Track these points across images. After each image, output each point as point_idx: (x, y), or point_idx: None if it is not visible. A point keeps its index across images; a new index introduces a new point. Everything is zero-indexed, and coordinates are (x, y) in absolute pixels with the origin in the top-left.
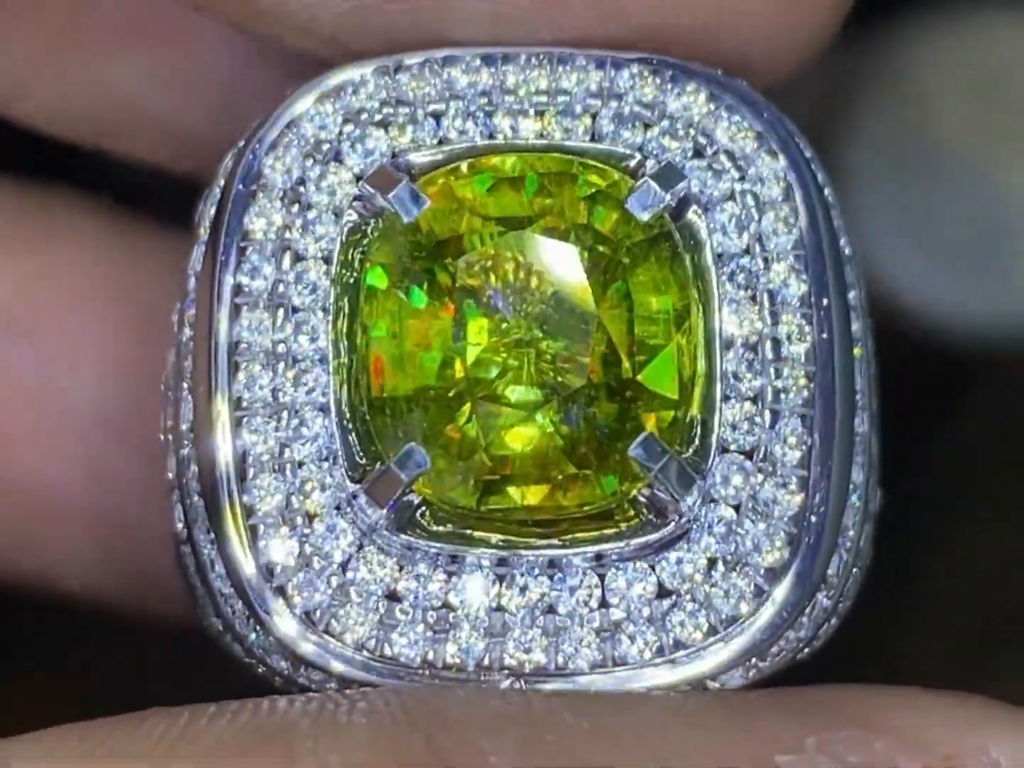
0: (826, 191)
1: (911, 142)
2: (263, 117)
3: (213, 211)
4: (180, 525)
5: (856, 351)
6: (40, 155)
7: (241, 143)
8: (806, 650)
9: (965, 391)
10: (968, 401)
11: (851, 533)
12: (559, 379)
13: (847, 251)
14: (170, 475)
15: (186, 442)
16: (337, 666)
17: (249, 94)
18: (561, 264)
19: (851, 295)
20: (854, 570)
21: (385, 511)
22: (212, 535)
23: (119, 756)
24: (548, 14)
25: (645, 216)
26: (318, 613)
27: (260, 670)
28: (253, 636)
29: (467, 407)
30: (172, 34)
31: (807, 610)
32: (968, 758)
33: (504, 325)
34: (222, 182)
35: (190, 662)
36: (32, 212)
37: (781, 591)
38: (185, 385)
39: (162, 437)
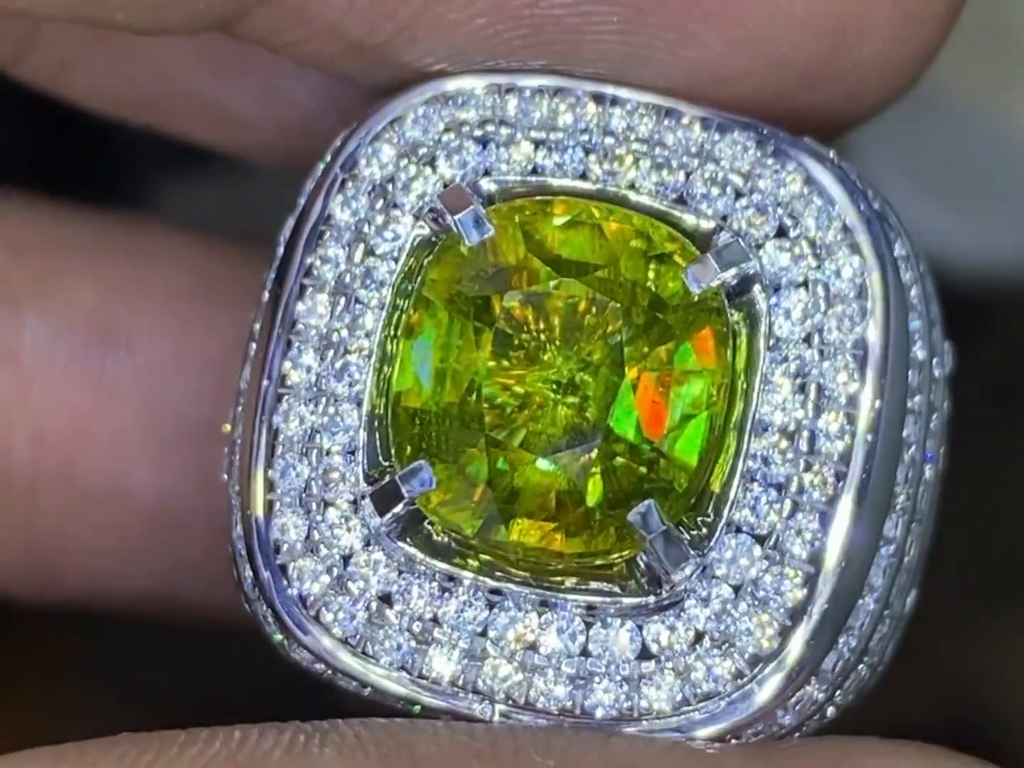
0: (912, 291)
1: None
2: (374, 108)
3: (311, 187)
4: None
5: (906, 457)
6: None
7: (353, 127)
8: (795, 735)
9: (967, 332)
10: (970, 342)
11: (856, 632)
12: (579, 431)
13: (920, 355)
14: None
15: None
16: (322, 651)
17: (295, 78)
18: (607, 319)
19: (915, 400)
20: (860, 667)
21: (384, 519)
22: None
23: None
24: (681, 54)
25: (698, 290)
26: (311, 599)
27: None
28: (254, 600)
29: (483, 437)
30: None
31: (791, 701)
32: None
33: (536, 367)
34: (328, 158)
35: None
36: (120, 230)
37: (762, 678)
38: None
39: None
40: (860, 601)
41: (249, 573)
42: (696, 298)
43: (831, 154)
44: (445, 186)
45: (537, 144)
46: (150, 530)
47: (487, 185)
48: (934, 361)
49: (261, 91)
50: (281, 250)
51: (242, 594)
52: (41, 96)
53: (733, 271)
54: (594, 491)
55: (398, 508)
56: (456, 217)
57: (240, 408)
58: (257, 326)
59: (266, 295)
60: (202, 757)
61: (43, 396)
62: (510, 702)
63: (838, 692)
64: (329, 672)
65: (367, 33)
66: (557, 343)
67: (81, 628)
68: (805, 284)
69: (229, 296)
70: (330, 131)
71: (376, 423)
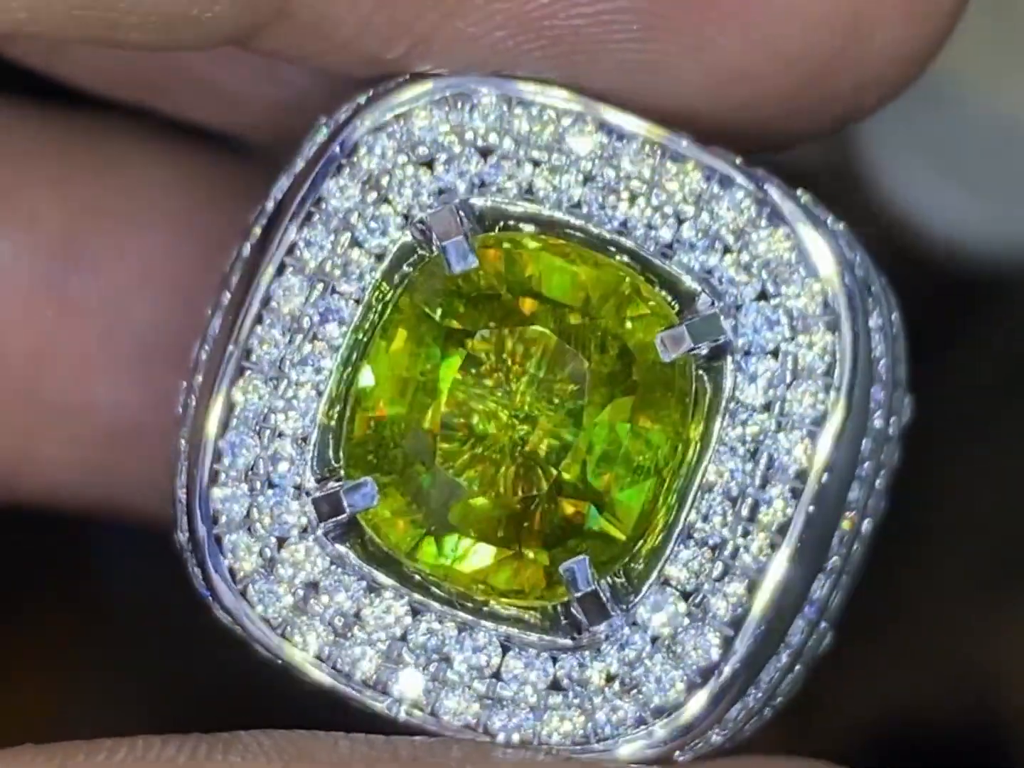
0: (881, 364)
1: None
2: (382, 93)
3: (309, 154)
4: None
5: (845, 523)
6: None
7: (357, 103)
8: None
9: (978, 311)
10: (980, 321)
11: (764, 685)
12: (529, 469)
13: (877, 424)
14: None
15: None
16: (243, 619)
17: None
18: (573, 366)
19: (864, 466)
20: (764, 710)
21: (324, 524)
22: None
23: None
24: (699, 58)
25: (668, 359)
26: (241, 575)
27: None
28: (187, 551)
29: (430, 460)
30: None
31: (684, 748)
32: None
33: (496, 400)
34: (327, 132)
35: None
36: (82, 139)
37: (661, 729)
38: (224, 297)
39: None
40: (774, 656)
41: (186, 526)
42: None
43: (827, 218)
44: (440, 192)
45: (537, 165)
46: (109, 446)
47: (479, 202)
48: (891, 421)
49: (256, 70)
50: (265, 220)
51: (176, 539)
52: (35, 75)
53: (705, 344)
54: (532, 527)
55: (337, 518)
56: (444, 243)
57: (201, 361)
58: (233, 281)
59: (246, 250)
60: (108, 764)
61: (6, 314)
62: (416, 710)
63: (735, 736)
64: (247, 638)
65: (383, 48)
66: (523, 380)
67: (78, 612)
68: (775, 353)
69: (198, 213)
70: (325, 111)
71: (331, 418)
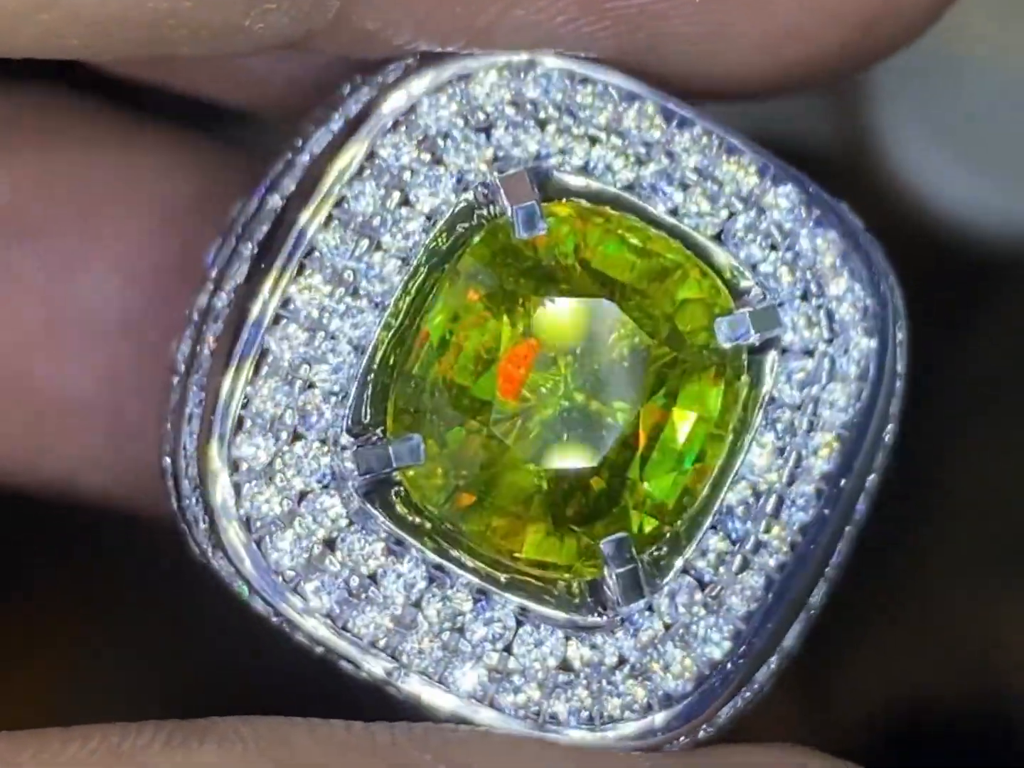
0: (898, 383)
1: (939, 40)
2: (441, 57)
3: (353, 109)
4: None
5: (850, 528)
6: None
7: (409, 63)
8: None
9: (985, 289)
10: (988, 300)
11: (756, 686)
12: (575, 445)
13: (887, 439)
14: (195, 317)
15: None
16: (248, 572)
17: None
18: (632, 346)
19: (870, 478)
20: (746, 707)
21: (359, 478)
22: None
23: None
24: (758, 24)
25: (726, 345)
26: (257, 524)
27: (196, 550)
28: (188, 498)
29: (478, 423)
30: None
31: (682, 738)
32: None
33: (548, 376)
34: (373, 90)
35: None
36: (28, 113)
37: (663, 716)
38: (246, 249)
39: (192, 314)
40: (767, 661)
41: (194, 472)
42: (719, 348)
43: (863, 229)
44: (495, 158)
45: (594, 142)
46: (55, 422)
47: (547, 171)
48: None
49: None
50: (306, 156)
51: (174, 492)
52: None
53: (760, 336)
54: (571, 502)
55: (379, 473)
56: (515, 207)
57: (217, 308)
58: (262, 229)
59: (277, 200)
60: (83, 751)
61: None
62: (424, 677)
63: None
64: (245, 592)
65: (441, 43)
66: (579, 354)
67: (91, 593)
68: (812, 353)
69: (146, 190)
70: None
71: (371, 375)
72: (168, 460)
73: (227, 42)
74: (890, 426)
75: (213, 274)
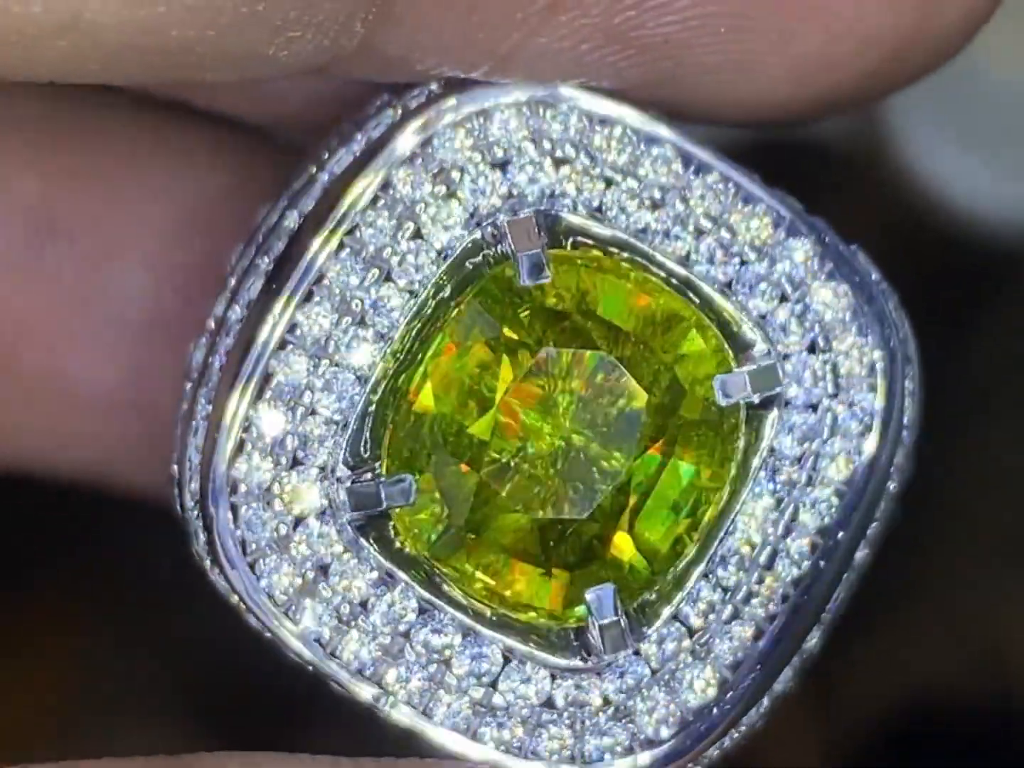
0: (904, 433)
1: None
2: (463, 88)
3: (372, 134)
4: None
5: (850, 575)
6: None
7: (430, 91)
8: None
9: (997, 282)
10: (1001, 292)
11: (745, 726)
12: (568, 496)
13: (891, 488)
14: (211, 325)
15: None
16: (243, 591)
17: None
18: (630, 395)
19: (872, 527)
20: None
21: (350, 512)
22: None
23: None
24: (785, 53)
25: (724, 402)
26: (252, 547)
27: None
28: (190, 510)
29: (472, 466)
30: None
31: None
32: None
33: (546, 418)
34: (395, 115)
35: None
36: (60, 111)
37: (647, 757)
38: (263, 262)
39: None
40: (757, 704)
41: (196, 487)
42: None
43: (878, 278)
44: (510, 195)
45: (609, 184)
46: (85, 418)
47: (555, 217)
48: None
49: None
50: (325, 176)
51: (178, 501)
52: None
53: (760, 394)
54: (560, 547)
55: (368, 511)
56: (521, 254)
57: (230, 321)
58: (278, 246)
59: (295, 217)
60: None
61: None
62: (409, 707)
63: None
64: (242, 608)
65: (465, 69)
66: (577, 401)
67: (91, 594)
68: (815, 407)
69: (178, 187)
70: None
71: (369, 407)
72: (175, 467)
73: (251, 69)
74: (895, 476)
75: (232, 282)
